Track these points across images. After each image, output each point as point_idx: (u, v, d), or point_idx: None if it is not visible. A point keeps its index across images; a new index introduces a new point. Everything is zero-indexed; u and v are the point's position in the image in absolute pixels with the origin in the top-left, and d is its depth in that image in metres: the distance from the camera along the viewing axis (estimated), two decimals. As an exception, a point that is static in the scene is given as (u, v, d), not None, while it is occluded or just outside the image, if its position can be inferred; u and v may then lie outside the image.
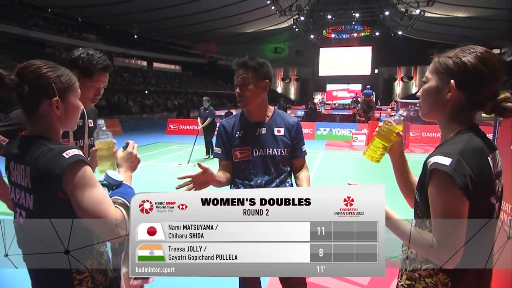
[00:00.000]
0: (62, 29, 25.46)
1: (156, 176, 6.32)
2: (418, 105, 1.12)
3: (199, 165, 1.50)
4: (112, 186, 1.13)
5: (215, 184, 1.63)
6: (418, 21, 26.56)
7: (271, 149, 1.68)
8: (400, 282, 1.08)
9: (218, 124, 1.93)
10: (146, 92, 27.50)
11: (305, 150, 1.80)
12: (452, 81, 0.98)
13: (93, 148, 1.28)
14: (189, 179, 1.50)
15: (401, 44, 32.98)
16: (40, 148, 1.01)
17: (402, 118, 1.21)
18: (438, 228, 0.91)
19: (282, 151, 1.70)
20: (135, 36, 32.81)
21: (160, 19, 27.28)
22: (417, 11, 24.57)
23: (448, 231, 0.89)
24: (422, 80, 1.08)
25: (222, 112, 14.53)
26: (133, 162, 1.25)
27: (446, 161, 0.90)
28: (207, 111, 8.36)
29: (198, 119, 8.51)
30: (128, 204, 1.04)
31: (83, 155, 1.02)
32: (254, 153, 1.68)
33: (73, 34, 26.11)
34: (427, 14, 24.96)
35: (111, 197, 1.07)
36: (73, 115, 1.13)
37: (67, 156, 0.97)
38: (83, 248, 1.03)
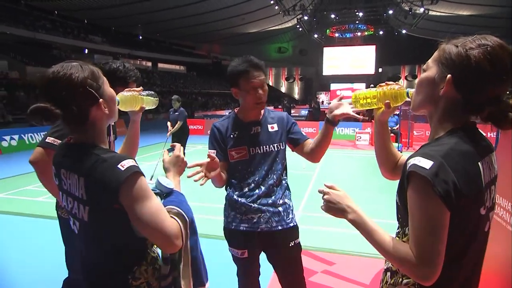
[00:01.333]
0: (68, 31, 25.80)
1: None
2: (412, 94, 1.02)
3: (209, 155, 1.53)
4: (164, 193, 1.10)
5: (216, 176, 1.58)
6: (422, 20, 26.46)
7: (267, 146, 1.69)
8: None
9: (211, 127, 1.74)
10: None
11: (305, 135, 1.80)
12: (449, 75, 0.84)
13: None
14: (199, 167, 1.50)
15: (405, 42, 32.84)
16: (92, 158, 0.97)
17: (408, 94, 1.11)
18: (415, 241, 0.81)
19: (278, 146, 1.71)
20: (140, 37, 33.06)
21: (164, 20, 27.49)
22: (421, 10, 24.47)
23: (425, 246, 0.79)
24: (423, 67, 0.95)
25: (226, 112, 14.56)
26: (180, 166, 1.21)
27: (426, 164, 0.78)
28: (176, 113, 6.83)
29: (168, 123, 6.89)
30: (183, 213, 1.05)
31: (137, 165, 0.98)
32: (251, 151, 1.68)
33: (79, 36, 26.45)
34: (431, 13, 24.84)
35: (164, 206, 1.03)
36: (114, 103, 1.11)
37: (122, 169, 0.93)
38: (137, 255, 1.05)
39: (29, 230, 3.97)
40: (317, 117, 14.91)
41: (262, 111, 1.75)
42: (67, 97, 0.96)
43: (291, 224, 1.72)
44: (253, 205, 1.66)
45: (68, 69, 0.98)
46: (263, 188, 1.67)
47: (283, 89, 39.21)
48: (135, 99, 1.40)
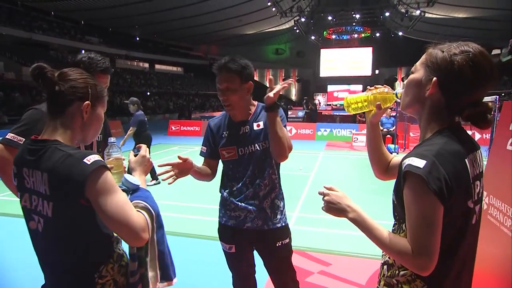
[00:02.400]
0: (65, 32, 25.73)
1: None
2: (400, 95, 1.07)
3: (179, 157, 1.60)
4: (130, 190, 1.13)
5: (194, 174, 1.68)
6: (419, 22, 26.65)
7: (252, 146, 1.67)
8: (378, 287, 1.05)
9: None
10: (148, 93, 27.67)
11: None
12: (435, 78, 0.91)
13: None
14: (170, 167, 1.58)
15: (401, 44, 33.00)
16: (57, 153, 0.97)
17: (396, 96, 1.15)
18: (412, 234, 0.87)
19: (264, 144, 1.66)
20: (137, 39, 33.01)
21: (162, 22, 27.48)
22: (417, 12, 24.65)
23: (422, 238, 0.85)
24: (411, 70, 1.00)
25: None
26: (146, 166, 1.26)
27: (420, 163, 0.85)
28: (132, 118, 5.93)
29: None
30: (149, 208, 1.07)
31: (102, 160, 1.00)
32: (240, 152, 1.67)
33: (76, 36, 26.37)
34: (427, 15, 25.04)
35: (131, 201, 1.05)
36: (96, 126, 1.13)
37: (88, 163, 0.95)
38: (103, 253, 1.06)
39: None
40: (314, 119, 14.95)
41: (253, 110, 1.71)
42: (66, 78, 1.04)
43: (279, 225, 1.70)
44: (240, 204, 1.68)
45: (83, 71, 1.10)
46: (250, 187, 1.67)
47: (280, 91, 39.21)
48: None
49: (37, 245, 1.08)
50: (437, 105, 0.93)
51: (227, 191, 1.73)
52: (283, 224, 1.73)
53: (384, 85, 1.20)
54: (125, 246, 1.15)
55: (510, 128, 2.22)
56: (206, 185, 1.77)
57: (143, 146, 1.30)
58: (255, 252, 1.81)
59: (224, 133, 1.71)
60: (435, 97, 0.93)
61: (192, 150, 9.55)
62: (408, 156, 0.91)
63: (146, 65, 33.57)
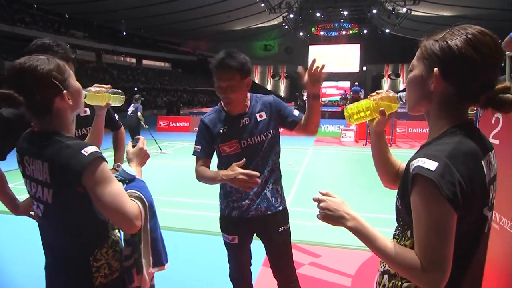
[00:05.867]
0: (48, 26, 25.01)
1: (147, 172, 6.38)
2: (404, 98, 1.00)
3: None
4: (126, 180, 1.18)
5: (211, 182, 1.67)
6: (405, 20, 27.01)
7: (258, 136, 1.68)
8: None
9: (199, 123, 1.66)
10: (136, 89, 27.29)
11: (300, 114, 1.76)
12: (436, 69, 0.83)
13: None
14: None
15: (388, 42, 33.41)
16: (57, 144, 1.02)
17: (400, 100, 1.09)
18: (421, 246, 0.77)
19: (269, 134, 1.71)
20: (124, 33, 32.43)
21: (149, 16, 27.03)
22: (404, 10, 24.98)
23: (433, 251, 0.75)
24: (409, 68, 0.94)
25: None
26: (143, 158, 1.29)
27: (432, 165, 0.76)
28: None
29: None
30: (143, 197, 1.13)
31: (100, 151, 1.04)
32: (242, 144, 1.67)
33: (60, 30, 25.67)
34: (413, 13, 25.41)
35: (126, 191, 1.10)
36: (79, 96, 1.15)
37: (86, 154, 0.99)
38: (99, 238, 1.11)
39: (29, 229, 3.88)
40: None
41: (248, 102, 1.72)
42: (32, 86, 1.02)
43: (280, 208, 1.78)
44: (243, 194, 1.71)
45: (34, 61, 1.03)
46: None
47: (269, 87, 39.27)
48: (102, 96, 1.44)
49: (40, 228, 1.17)
50: (446, 97, 0.85)
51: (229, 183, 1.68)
52: (284, 207, 1.81)
53: (387, 90, 1.14)
54: (121, 233, 1.21)
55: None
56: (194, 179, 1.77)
57: (142, 138, 1.33)
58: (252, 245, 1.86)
59: (222, 128, 1.70)
60: (442, 88, 0.84)
61: (182, 145, 9.49)
62: (416, 156, 0.81)
63: (133, 60, 33.05)
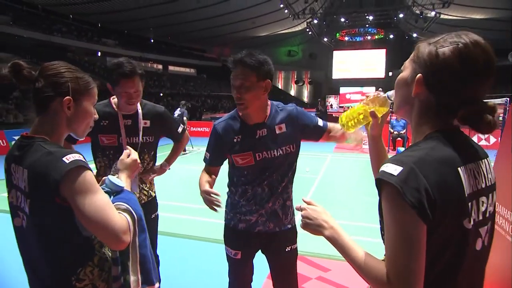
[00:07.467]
0: (82, 34, 26.42)
1: (167, 176, 6.51)
2: (392, 97, 0.97)
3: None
4: (113, 192, 1.08)
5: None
6: (434, 23, 26.14)
7: (275, 150, 1.54)
8: None
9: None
10: (161, 94, 28.07)
11: (324, 123, 1.66)
12: (419, 75, 0.78)
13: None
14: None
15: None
16: (39, 150, 0.96)
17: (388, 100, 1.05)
18: (388, 256, 0.73)
19: (288, 149, 1.57)
20: (152, 40, 33.55)
21: (175, 24, 27.87)
22: (432, 13, 24.22)
23: (399, 262, 0.70)
24: (401, 68, 0.89)
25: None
26: (133, 171, 1.22)
27: (395, 170, 0.71)
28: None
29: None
30: (131, 210, 1.03)
31: (84, 160, 0.97)
32: (257, 157, 1.54)
33: (93, 39, 27.04)
34: (442, 16, 24.55)
35: (113, 203, 1.01)
36: (83, 119, 1.09)
37: (67, 161, 0.92)
38: (82, 255, 1.02)
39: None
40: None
41: (268, 111, 1.58)
42: (43, 74, 1.03)
43: (289, 226, 1.68)
44: (254, 207, 1.62)
45: (65, 64, 1.08)
46: (267, 190, 1.59)
47: (292, 93, 39.22)
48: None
49: (20, 243, 1.07)
50: (426, 105, 0.80)
51: (238, 194, 1.64)
52: (293, 225, 1.71)
53: (378, 91, 1.09)
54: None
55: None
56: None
57: (133, 150, 1.26)
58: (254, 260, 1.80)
59: (237, 137, 1.56)
60: (423, 96, 0.79)
61: (198, 150, 9.75)
62: (385, 161, 0.77)
63: (160, 66, 34.06)
